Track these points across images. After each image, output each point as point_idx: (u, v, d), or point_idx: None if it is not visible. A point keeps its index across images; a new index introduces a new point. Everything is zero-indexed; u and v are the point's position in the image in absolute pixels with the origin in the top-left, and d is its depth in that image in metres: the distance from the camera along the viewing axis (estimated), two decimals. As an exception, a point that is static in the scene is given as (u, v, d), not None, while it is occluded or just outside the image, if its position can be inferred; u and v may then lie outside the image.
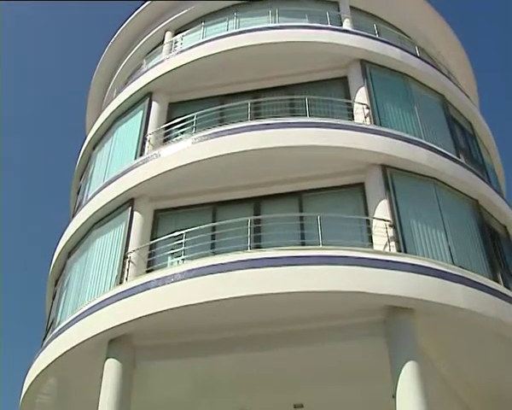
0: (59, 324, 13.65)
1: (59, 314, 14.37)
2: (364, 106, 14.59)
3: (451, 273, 11.51)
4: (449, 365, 12.39)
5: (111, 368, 11.43)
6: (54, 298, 15.85)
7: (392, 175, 13.19)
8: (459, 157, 14.92)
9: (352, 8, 18.37)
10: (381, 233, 12.13)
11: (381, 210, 12.57)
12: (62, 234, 16.00)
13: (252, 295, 10.64)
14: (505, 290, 12.37)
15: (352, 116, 14.61)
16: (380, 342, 10.98)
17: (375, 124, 14.17)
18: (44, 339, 14.38)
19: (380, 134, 13.74)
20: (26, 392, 13.37)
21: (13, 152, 44.78)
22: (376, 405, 12.36)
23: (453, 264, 12.12)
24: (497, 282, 12.74)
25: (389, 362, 10.73)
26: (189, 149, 13.93)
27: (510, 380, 13.34)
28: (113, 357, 11.53)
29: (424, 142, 14.14)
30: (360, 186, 13.36)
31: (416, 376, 10.25)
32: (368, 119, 14.34)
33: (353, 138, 13.47)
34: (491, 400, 13.73)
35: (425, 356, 11.22)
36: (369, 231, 12.44)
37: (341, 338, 11.22)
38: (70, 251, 15.40)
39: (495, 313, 11.55)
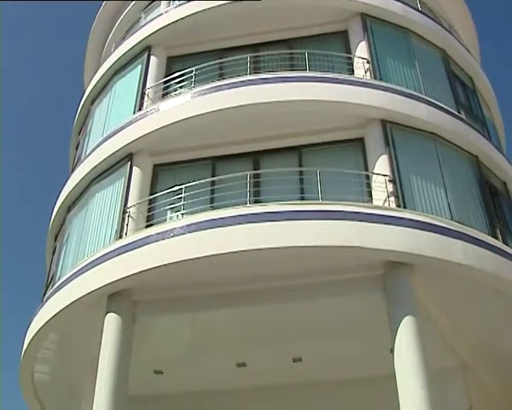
0: (59, 279, 13.70)
1: (59, 269, 14.42)
2: (365, 60, 14.45)
3: (450, 229, 11.50)
4: (447, 320, 12.48)
5: (111, 323, 11.49)
6: (54, 253, 15.89)
7: (392, 130, 13.10)
8: (459, 113, 14.81)
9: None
10: (381, 188, 12.10)
11: (381, 165, 12.53)
12: (61, 189, 15.97)
13: (251, 250, 10.65)
14: (504, 247, 12.39)
15: (353, 71, 14.48)
16: (378, 297, 11.04)
17: (375, 78, 14.03)
18: (45, 294, 14.44)
19: (379, 89, 13.62)
20: (27, 347, 13.44)
21: (11, 110, 44.49)
22: (374, 359, 12.50)
23: (452, 220, 12.10)
24: (496, 238, 12.75)
25: (387, 317, 10.78)
26: (187, 103, 13.82)
27: (508, 336, 13.46)
28: (113, 312, 11.57)
29: (424, 97, 14.02)
30: (360, 141, 13.28)
31: (413, 330, 10.31)
32: (368, 73, 14.20)
33: (353, 93, 13.35)
34: (488, 355, 13.87)
35: (423, 311, 11.27)
36: (369, 186, 12.41)
37: (340, 293, 11.27)
38: (69, 206, 15.37)
39: (494, 269, 11.58)
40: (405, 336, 10.30)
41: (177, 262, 10.92)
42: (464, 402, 13.49)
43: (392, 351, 10.46)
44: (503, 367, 14.43)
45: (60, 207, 15.70)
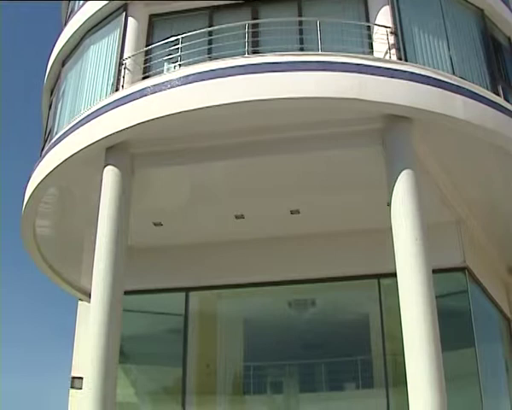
0: (56, 133, 13.64)
1: (56, 124, 14.34)
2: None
3: (452, 84, 11.30)
4: (445, 176, 12.54)
5: (109, 176, 11.50)
6: (50, 108, 15.73)
7: (396, -21, 12.58)
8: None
9: None
10: (382, 40, 11.80)
11: (383, 17, 12.16)
12: (55, 43, 15.58)
13: (249, 101, 10.46)
14: (505, 103, 12.24)
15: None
16: (377, 151, 10.99)
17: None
18: (43, 149, 14.42)
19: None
20: (27, 201, 13.56)
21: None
22: (371, 212, 12.68)
23: (454, 74, 11.90)
24: (498, 95, 12.57)
25: (385, 171, 10.81)
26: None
27: (503, 192, 13.61)
28: (112, 165, 11.55)
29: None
30: (361, -9, 12.79)
31: (411, 184, 10.35)
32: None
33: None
34: (484, 211, 14.09)
35: (421, 166, 11.27)
36: (370, 38, 12.10)
37: (339, 146, 11.21)
38: (64, 60, 15.04)
39: (494, 125, 11.50)
40: (402, 190, 10.35)
41: (174, 114, 10.78)
42: (458, 256, 13.83)
43: (389, 204, 10.54)
44: (497, 223, 14.74)
45: (54, 60, 15.36)
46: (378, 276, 14.20)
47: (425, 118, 10.90)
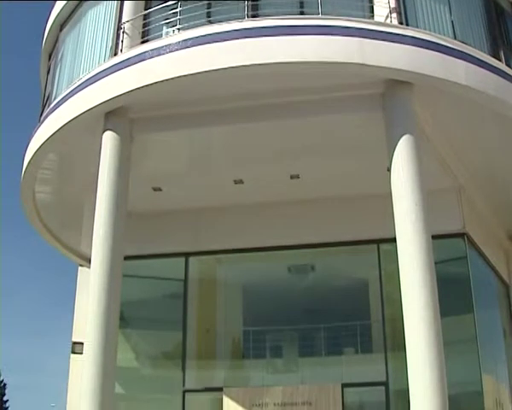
0: (55, 98, 13.55)
1: (54, 89, 14.25)
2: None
3: (453, 49, 11.17)
4: (446, 142, 12.52)
5: (108, 141, 11.45)
6: (48, 73, 15.62)
7: None
8: None
9: None
10: (383, 4, 11.62)
11: (384, -21, 11.99)
12: (52, 7, 15.41)
13: (248, 65, 10.33)
14: (507, 69, 12.12)
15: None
16: (377, 116, 10.91)
17: None
18: (41, 114, 14.34)
19: None
20: (26, 167, 13.53)
21: None
22: (371, 178, 12.69)
23: (455, 39, 11.76)
24: (500, 60, 12.45)
25: (385, 136, 10.75)
26: None
27: (505, 161, 13.62)
28: (111, 130, 11.49)
29: None
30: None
31: (411, 150, 10.31)
32: None
33: None
34: (485, 179, 14.11)
35: (422, 132, 11.26)
36: (371, 1, 11.95)
37: (339, 110, 11.16)
38: (62, 24, 14.89)
39: (495, 91, 11.39)
40: (402, 155, 10.31)
41: (173, 78, 10.67)
42: (457, 223, 13.86)
43: (389, 170, 10.51)
44: (497, 189, 14.75)
45: (52, 25, 15.20)
46: (377, 241, 14.27)
47: (426, 83, 10.80)
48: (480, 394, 13.29)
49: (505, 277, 17.47)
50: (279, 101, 11.09)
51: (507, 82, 11.77)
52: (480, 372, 13.33)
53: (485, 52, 12.10)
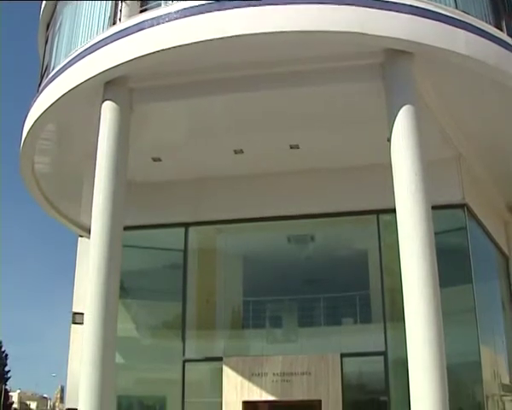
0: (53, 68, 13.44)
1: (53, 59, 14.15)
2: None
3: (454, 18, 11.05)
4: (446, 112, 12.48)
5: (108, 111, 11.41)
6: (46, 43, 15.53)
7: None
8: None
9: None
10: (383, -28, 11.52)
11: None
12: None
13: (249, 34, 10.23)
14: (508, 39, 12.02)
15: None
16: (377, 86, 10.85)
17: None
18: (40, 85, 14.26)
19: None
20: (25, 138, 13.51)
21: None
22: (371, 148, 12.68)
23: (456, 8, 11.62)
24: (501, 30, 12.35)
25: (386, 106, 10.67)
26: None
27: (505, 130, 13.58)
28: (110, 99, 11.44)
29: None
30: None
31: (411, 120, 10.26)
32: None
33: None
34: (485, 149, 14.09)
35: (422, 102, 11.17)
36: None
37: (339, 80, 11.11)
38: (60, -8, 14.76)
39: (496, 61, 11.31)
40: (402, 125, 10.26)
41: (173, 47, 10.56)
42: (457, 193, 13.87)
43: (388, 140, 10.46)
44: (497, 160, 14.73)
45: (50, -6, 15.07)
46: (377, 212, 14.30)
47: (426, 52, 10.72)
48: (478, 364, 13.41)
49: (504, 248, 17.53)
50: (279, 70, 11.01)
51: (508, 52, 11.69)
52: (478, 343, 13.42)
53: (487, 22, 11.99)
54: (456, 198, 13.86)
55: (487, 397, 13.85)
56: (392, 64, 10.72)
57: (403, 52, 10.64)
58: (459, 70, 11.15)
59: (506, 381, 16.45)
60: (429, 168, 10.14)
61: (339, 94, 11.67)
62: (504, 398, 15.90)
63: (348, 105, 11.98)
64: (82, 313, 15.79)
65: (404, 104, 10.33)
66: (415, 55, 10.72)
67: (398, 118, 10.30)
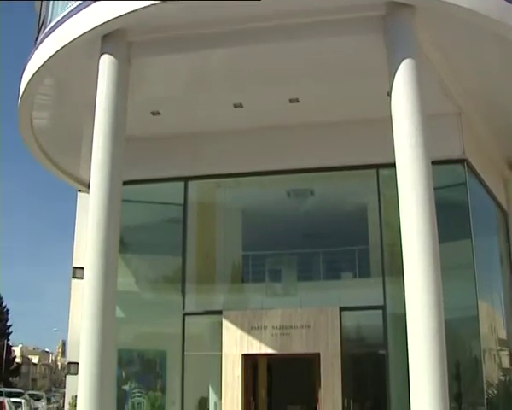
0: (50, 22, 13.25)
1: (50, 12, 13.91)
2: None
3: (456, -31, 10.92)
4: (446, 65, 12.35)
5: (106, 64, 11.24)
6: (43, -4, 15.29)
7: None
8: None
9: None
10: None
11: None
12: None
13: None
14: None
15: None
16: (378, 39, 10.66)
17: None
18: (37, 38, 14.10)
19: None
20: (23, 93, 13.36)
21: None
22: (371, 102, 12.64)
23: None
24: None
25: (386, 59, 10.53)
26: None
27: (505, 85, 13.44)
28: (108, 53, 11.26)
29: None
30: None
31: (412, 74, 10.11)
32: None
33: None
34: (484, 101, 13.98)
35: (423, 56, 11.06)
36: None
37: (339, 33, 10.94)
38: None
39: (498, 14, 11.07)
40: (403, 79, 10.13)
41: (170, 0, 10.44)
42: (458, 148, 13.84)
43: (389, 94, 10.36)
44: (497, 115, 14.63)
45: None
46: (377, 166, 14.30)
47: (428, 5, 10.54)
48: (476, 319, 13.53)
49: (504, 204, 17.54)
50: (279, 23, 10.85)
51: (509, 4, 11.51)
52: (476, 298, 13.53)
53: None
54: (456, 153, 13.84)
55: (484, 351, 14.00)
56: (392, 17, 10.54)
57: (404, 5, 10.46)
58: (461, 23, 10.97)
59: (503, 336, 16.61)
60: (430, 123, 10.03)
61: (338, 47, 11.54)
62: (501, 352, 16.09)
63: (348, 58, 11.88)
64: (82, 268, 15.88)
65: (405, 58, 10.18)
66: (416, 8, 10.53)
67: (398, 71, 10.16)
